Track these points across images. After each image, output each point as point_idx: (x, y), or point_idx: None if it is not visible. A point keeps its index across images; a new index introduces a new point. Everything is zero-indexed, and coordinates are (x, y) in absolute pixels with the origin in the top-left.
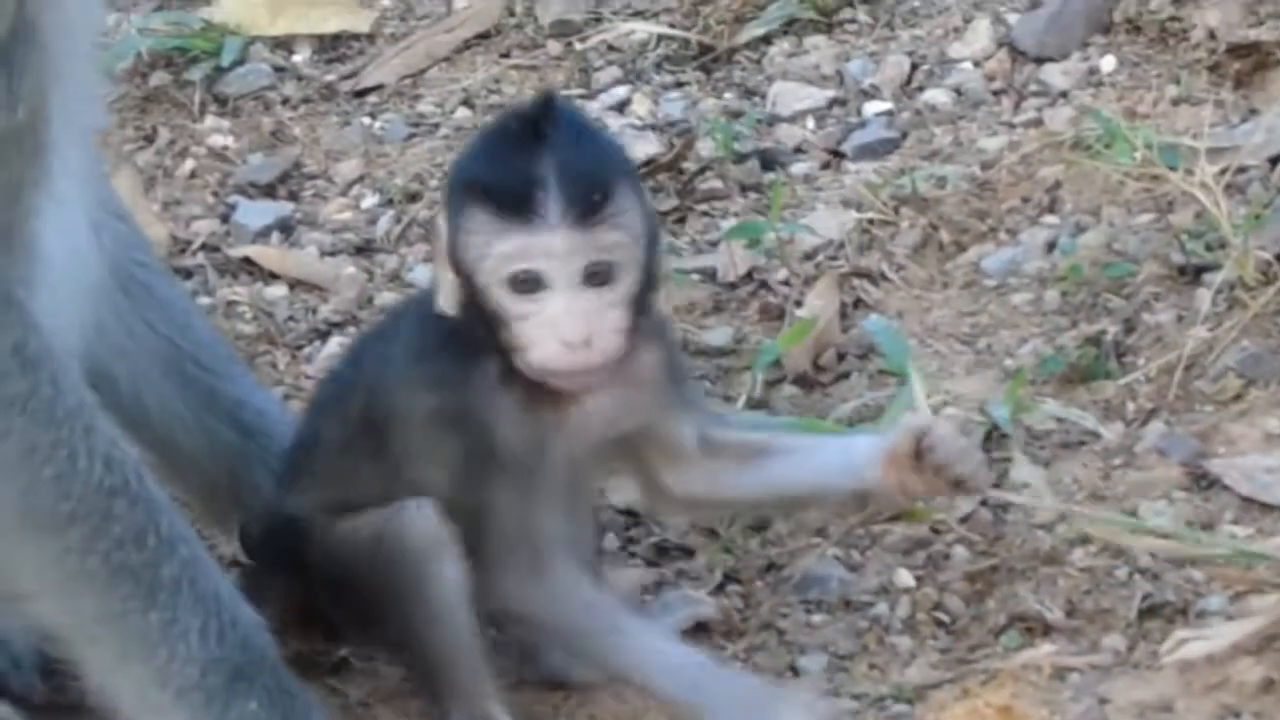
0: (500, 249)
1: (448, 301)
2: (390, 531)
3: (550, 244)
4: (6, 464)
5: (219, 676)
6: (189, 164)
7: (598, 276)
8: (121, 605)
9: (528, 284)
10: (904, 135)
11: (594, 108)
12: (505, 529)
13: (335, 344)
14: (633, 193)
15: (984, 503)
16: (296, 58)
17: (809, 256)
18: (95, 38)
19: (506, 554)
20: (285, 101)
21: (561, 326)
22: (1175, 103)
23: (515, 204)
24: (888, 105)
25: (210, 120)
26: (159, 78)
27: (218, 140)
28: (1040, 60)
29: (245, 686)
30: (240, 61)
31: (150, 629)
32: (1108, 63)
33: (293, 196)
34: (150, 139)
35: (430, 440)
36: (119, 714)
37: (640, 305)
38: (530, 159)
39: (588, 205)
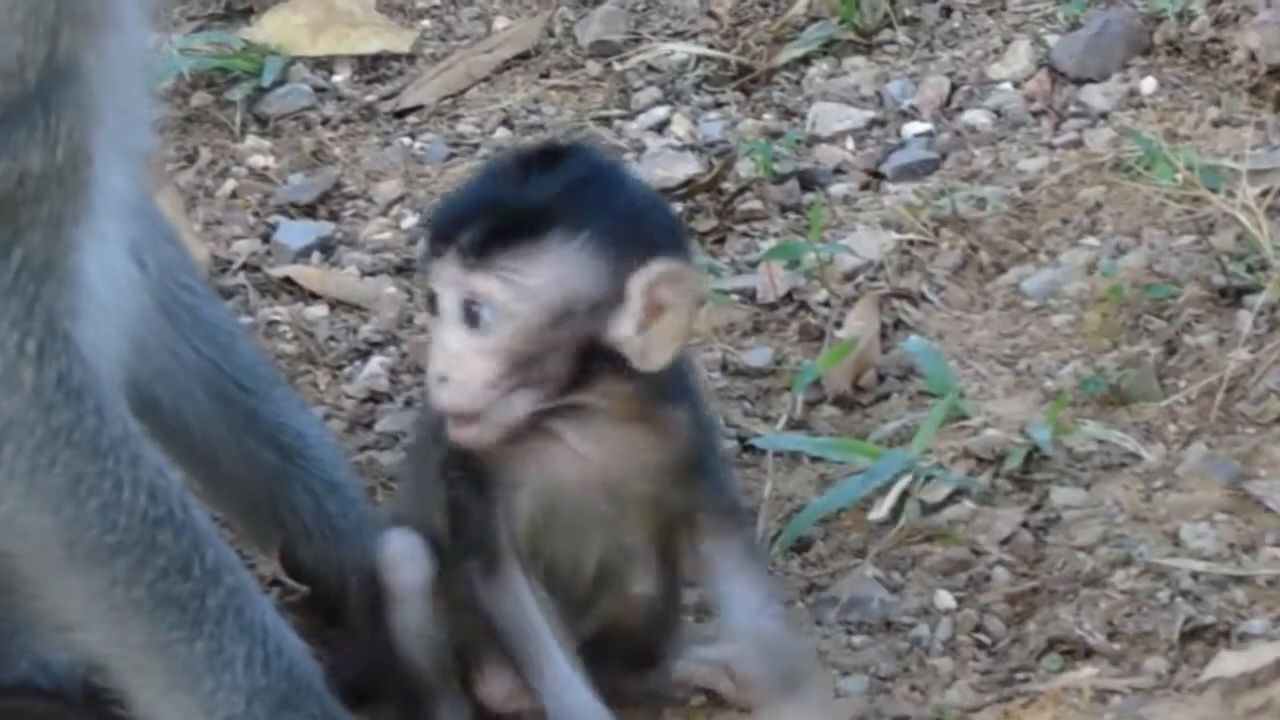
0: (423, 265)
1: None
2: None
3: (439, 269)
4: (52, 495)
5: (264, 705)
6: (230, 184)
7: (471, 318)
8: (167, 635)
9: (432, 304)
10: (944, 156)
11: (633, 128)
12: (470, 533)
13: (376, 364)
14: (554, 259)
15: (1025, 524)
16: (337, 78)
17: (849, 277)
18: (143, 63)
19: (468, 552)
20: (326, 122)
21: (431, 359)
22: (1216, 124)
23: (440, 229)
24: (927, 126)
25: (251, 140)
26: (200, 98)
27: (259, 160)
28: (1080, 81)
29: (291, 715)
30: (281, 82)
31: (196, 658)
32: (1148, 84)
33: (333, 216)
34: (191, 159)
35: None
36: None
37: (530, 368)
38: (475, 193)
39: (484, 244)
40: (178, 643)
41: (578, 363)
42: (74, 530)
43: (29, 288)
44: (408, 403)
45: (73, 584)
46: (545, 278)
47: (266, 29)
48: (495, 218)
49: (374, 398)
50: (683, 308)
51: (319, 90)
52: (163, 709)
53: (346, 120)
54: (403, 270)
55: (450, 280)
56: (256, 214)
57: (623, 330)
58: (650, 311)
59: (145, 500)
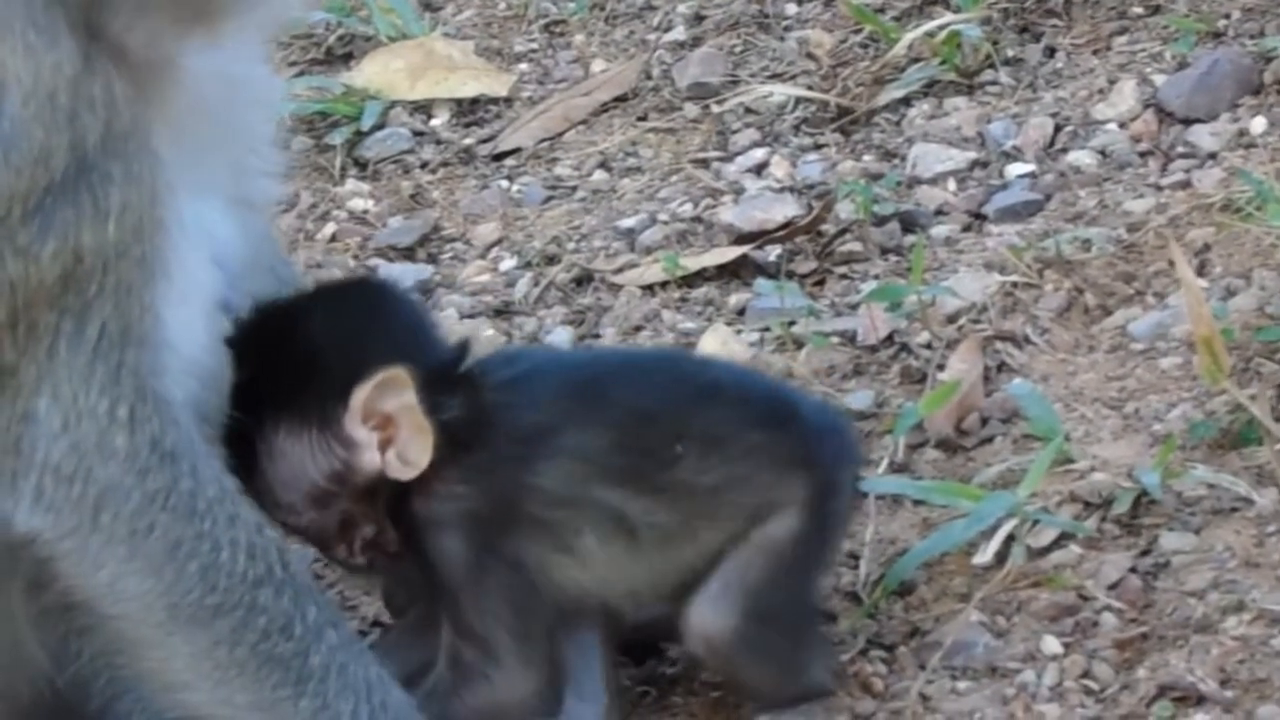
0: None
1: None
2: None
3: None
4: (153, 559)
5: None
6: (330, 227)
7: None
8: (273, 694)
9: None
10: (1048, 197)
11: (731, 170)
12: None
13: None
14: (279, 448)
15: (1133, 569)
16: (435, 121)
17: (951, 319)
18: (257, 114)
19: None
20: (424, 165)
21: None
22: None
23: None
24: (1031, 167)
25: (351, 184)
26: (300, 142)
27: (358, 204)
28: (1188, 121)
29: None
30: (380, 126)
31: (302, 715)
32: (1258, 124)
33: (432, 259)
34: (292, 203)
35: None
36: None
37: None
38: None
39: (241, 475)
40: (283, 701)
41: (368, 502)
42: (175, 593)
43: (113, 354)
44: None
45: (176, 645)
46: (282, 480)
47: (366, 73)
48: (234, 434)
49: None
50: (408, 406)
51: (418, 134)
52: None
53: (445, 163)
54: (501, 313)
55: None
56: (356, 257)
57: (373, 463)
58: (383, 429)
59: (244, 560)
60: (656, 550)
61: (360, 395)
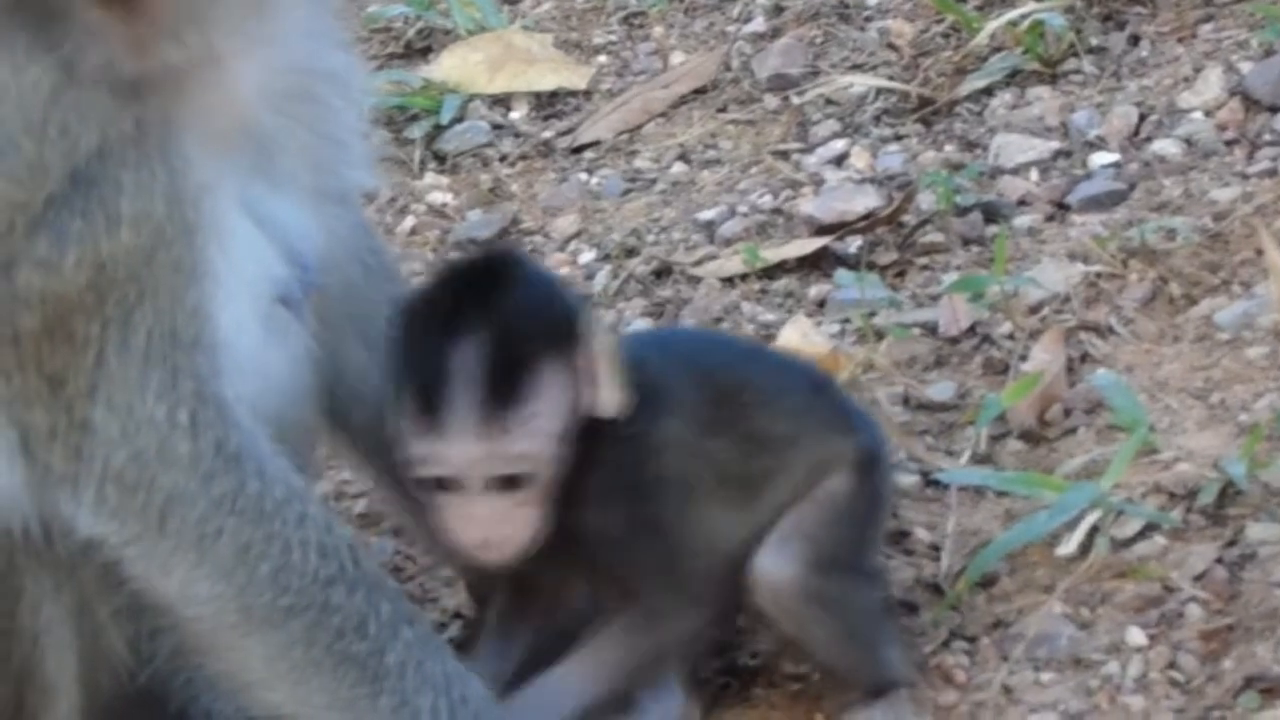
0: (415, 451)
1: None
2: None
3: (453, 455)
4: (222, 564)
5: None
6: (409, 221)
7: (507, 482)
8: (350, 693)
9: (442, 483)
10: (1132, 187)
11: (811, 162)
12: None
13: None
14: (548, 384)
15: (1219, 560)
16: (514, 114)
17: (1034, 310)
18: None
19: None
20: (503, 158)
21: (462, 530)
22: None
23: (423, 407)
24: (1115, 156)
25: (430, 177)
26: (379, 136)
27: (437, 197)
28: (1275, 109)
29: None
30: (459, 119)
31: (381, 713)
32: None
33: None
34: (371, 197)
35: None
36: None
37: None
38: (442, 352)
39: (492, 413)
40: (361, 699)
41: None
42: (247, 596)
43: (166, 360)
44: None
45: (251, 647)
46: (553, 405)
47: (445, 67)
48: (489, 377)
49: None
50: (612, 345)
51: (496, 127)
52: None
53: (524, 156)
54: None
55: (470, 462)
56: (435, 250)
57: (588, 397)
58: (593, 364)
59: (316, 559)
60: (752, 499)
61: (585, 325)
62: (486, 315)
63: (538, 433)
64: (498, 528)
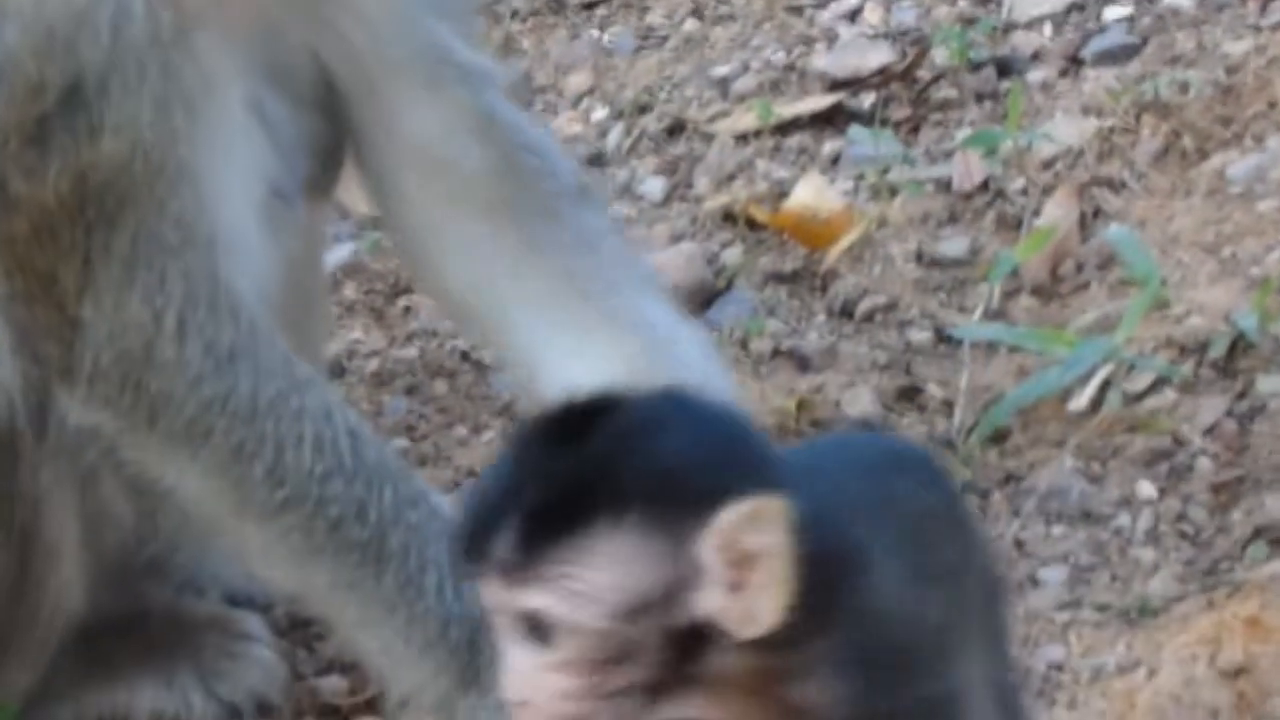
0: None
1: None
2: None
3: (484, 587)
4: (214, 462)
5: (462, 630)
6: None
7: (535, 633)
8: (352, 575)
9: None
10: (1145, 40)
11: (825, 17)
12: None
13: None
14: (607, 547)
15: (1229, 413)
16: None
17: (1047, 165)
18: None
19: None
20: (514, 14)
21: (504, 678)
22: None
23: (472, 541)
24: (1128, 10)
25: None
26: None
27: None
28: None
29: (489, 637)
30: None
31: (386, 591)
32: None
33: (524, 107)
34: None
35: None
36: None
37: (617, 672)
38: (497, 490)
39: (524, 551)
40: (365, 580)
41: (673, 651)
42: (241, 491)
43: (153, 263)
44: None
45: (250, 533)
46: (602, 572)
47: None
48: (527, 516)
49: None
50: (776, 549)
51: None
52: (362, 638)
53: (535, 13)
54: (593, 162)
55: (499, 598)
56: None
57: (711, 603)
58: (738, 568)
59: (311, 455)
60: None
61: (729, 516)
62: (588, 448)
63: (570, 593)
64: (530, 685)
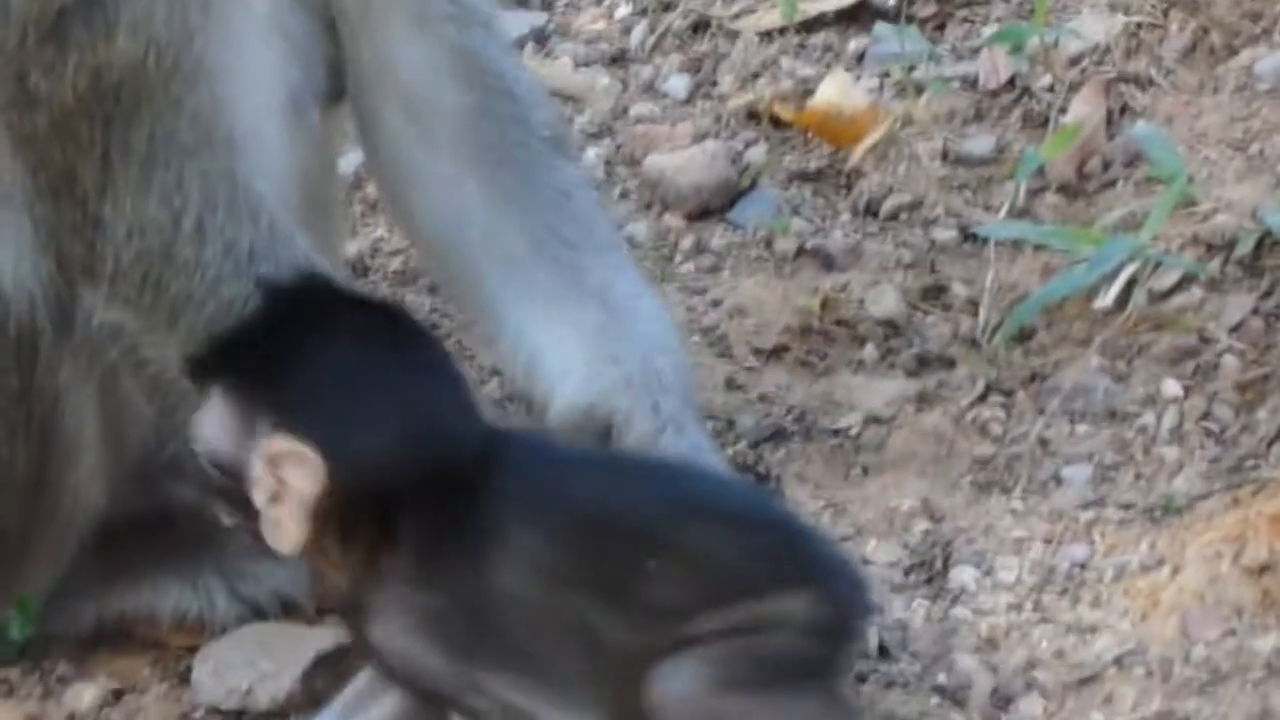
0: None
1: None
2: None
3: None
4: None
5: None
6: None
7: None
8: None
9: None
10: None
11: None
12: None
13: (591, 155)
14: (212, 402)
15: (1255, 311)
16: None
17: (1074, 62)
18: None
19: None
20: None
21: None
22: None
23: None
24: None
25: None
26: None
27: None
28: None
29: None
30: None
31: None
32: None
33: (546, 6)
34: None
35: None
36: None
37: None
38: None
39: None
40: None
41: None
42: None
43: (170, 163)
44: (622, 194)
45: None
46: (205, 424)
47: None
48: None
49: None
50: (298, 493)
51: None
52: None
53: None
54: (616, 60)
55: None
56: None
57: (258, 499)
58: (273, 488)
59: None
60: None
61: (273, 445)
62: (248, 324)
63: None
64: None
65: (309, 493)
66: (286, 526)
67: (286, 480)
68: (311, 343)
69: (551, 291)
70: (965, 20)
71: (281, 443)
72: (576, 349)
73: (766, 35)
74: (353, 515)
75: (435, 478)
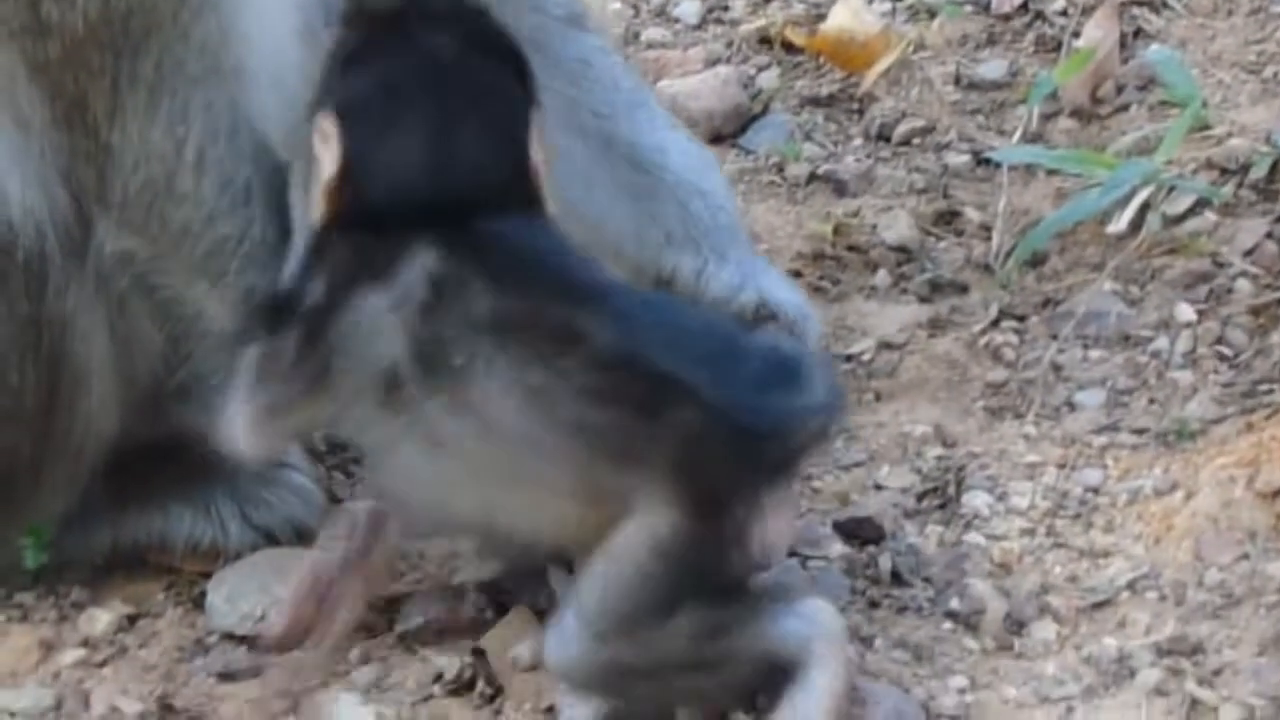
0: None
1: None
2: None
3: None
4: (231, 300)
5: None
6: None
7: None
8: None
9: None
10: None
11: None
12: None
13: None
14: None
15: (1269, 235)
16: None
17: None
18: None
19: None
20: None
21: None
22: None
23: None
24: None
25: None
26: None
27: None
28: None
29: None
30: None
31: None
32: None
33: None
34: None
35: None
36: None
37: None
38: None
39: None
40: None
41: None
42: None
43: (177, 92)
44: None
45: None
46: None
47: None
48: None
49: None
50: (327, 161)
51: None
52: None
53: None
54: None
55: None
56: None
57: (326, 168)
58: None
59: None
60: None
61: (320, 120)
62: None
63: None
64: None
65: (330, 172)
66: (316, 204)
67: (321, 158)
68: (397, 50)
69: (584, 165)
70: None
71: (325, 121)
72: (617, 216)
73: None
74: (359, 212)
75: (442, 213)
